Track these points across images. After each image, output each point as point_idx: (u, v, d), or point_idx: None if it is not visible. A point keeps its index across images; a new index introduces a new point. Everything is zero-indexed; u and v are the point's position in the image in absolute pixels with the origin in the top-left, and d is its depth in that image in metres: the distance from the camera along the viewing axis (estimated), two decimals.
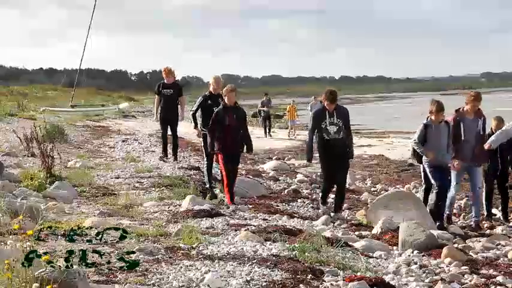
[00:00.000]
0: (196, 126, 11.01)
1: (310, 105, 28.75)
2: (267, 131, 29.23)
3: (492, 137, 9.50)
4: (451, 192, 9.58)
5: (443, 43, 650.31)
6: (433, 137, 9.33)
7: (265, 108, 29.99)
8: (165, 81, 13.98)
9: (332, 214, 9.53)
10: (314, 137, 9.66)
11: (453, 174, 9.57)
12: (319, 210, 9.89)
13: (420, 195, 10.10)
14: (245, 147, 10.03)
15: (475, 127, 9.56)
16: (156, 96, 14.13)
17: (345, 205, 10.92)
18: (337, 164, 9.56)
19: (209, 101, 10.62)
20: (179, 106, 13.98)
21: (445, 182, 9.35)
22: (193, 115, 11.01)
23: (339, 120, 9.53)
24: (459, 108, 9.70)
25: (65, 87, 58.01)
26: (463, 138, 9.49)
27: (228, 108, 9.81)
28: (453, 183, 9.58)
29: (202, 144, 10.90)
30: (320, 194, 10.19)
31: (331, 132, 9.49)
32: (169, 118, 13.95)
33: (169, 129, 14.02)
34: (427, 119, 9.44)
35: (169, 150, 14.21)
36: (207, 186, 10.65)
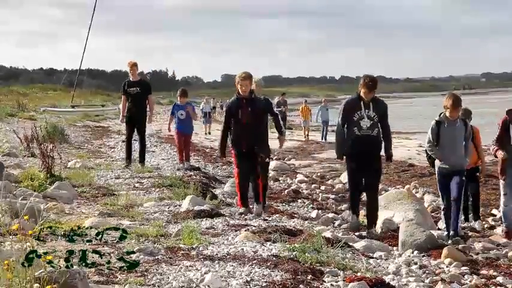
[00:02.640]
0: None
1: (320, 108, 27.76)
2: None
3: None
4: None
5: (443, 43, 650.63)
6: (446, 136, 8.19)
7: (281, 109, 29.89)
8: (131, 78, 12.59)
9: (364, 233, 8.08)
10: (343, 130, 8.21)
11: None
12: (347, 224, 8.44)
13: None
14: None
15: None
16: (123, 96, 12.76)
17: (344, 205, 10.93)
18: (366, 167, 8.16)
19: None
20: (148, 106, 12.71)
21: (455, 195, 8.18)
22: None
23: (375, 114, 8.04)
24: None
25: (65, 87, 58.04)
26: None
27: (242, 100, 8.36)
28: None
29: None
30: (348, 204, 8.68)
31: (364, 127, 8.02)
32: (135, 119, 12.56)
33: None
34: (440, 115, 8.27)
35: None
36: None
